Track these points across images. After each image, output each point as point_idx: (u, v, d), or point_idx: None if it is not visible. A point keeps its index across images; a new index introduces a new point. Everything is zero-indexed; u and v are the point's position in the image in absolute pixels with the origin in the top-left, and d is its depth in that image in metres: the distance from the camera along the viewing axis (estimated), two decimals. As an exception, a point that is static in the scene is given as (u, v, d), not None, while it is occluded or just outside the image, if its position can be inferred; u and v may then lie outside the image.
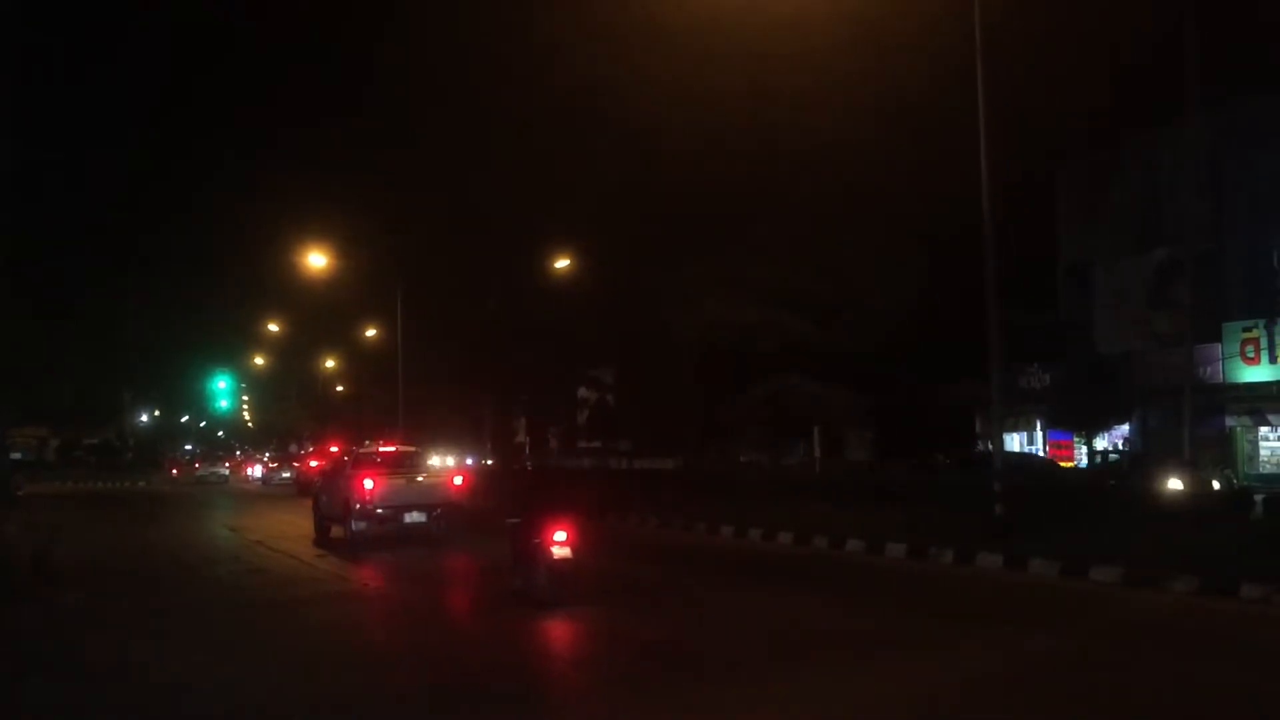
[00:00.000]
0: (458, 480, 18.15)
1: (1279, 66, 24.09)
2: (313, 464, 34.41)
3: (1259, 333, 25.62)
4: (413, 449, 20.57)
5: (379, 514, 16.51)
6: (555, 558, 10.17)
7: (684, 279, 26.55)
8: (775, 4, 20.97)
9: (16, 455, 64.55)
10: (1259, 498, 17.21)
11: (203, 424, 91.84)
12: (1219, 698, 7.08)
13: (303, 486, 33.07)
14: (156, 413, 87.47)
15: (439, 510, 17.00)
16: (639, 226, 30.12)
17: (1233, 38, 23.35)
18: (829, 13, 21.13)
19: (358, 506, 16.49)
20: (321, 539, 17.89)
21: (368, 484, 16.52)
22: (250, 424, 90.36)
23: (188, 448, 79.01)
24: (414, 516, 16.69)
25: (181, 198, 71.88)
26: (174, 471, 57.58)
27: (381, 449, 19.97)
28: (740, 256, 26.17)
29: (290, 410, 66.22)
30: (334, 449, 31.97)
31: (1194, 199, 24.45)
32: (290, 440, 62.85)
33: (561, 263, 32.51)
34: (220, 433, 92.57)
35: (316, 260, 35.34)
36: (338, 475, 18.41)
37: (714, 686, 7.42)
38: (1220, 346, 26.18)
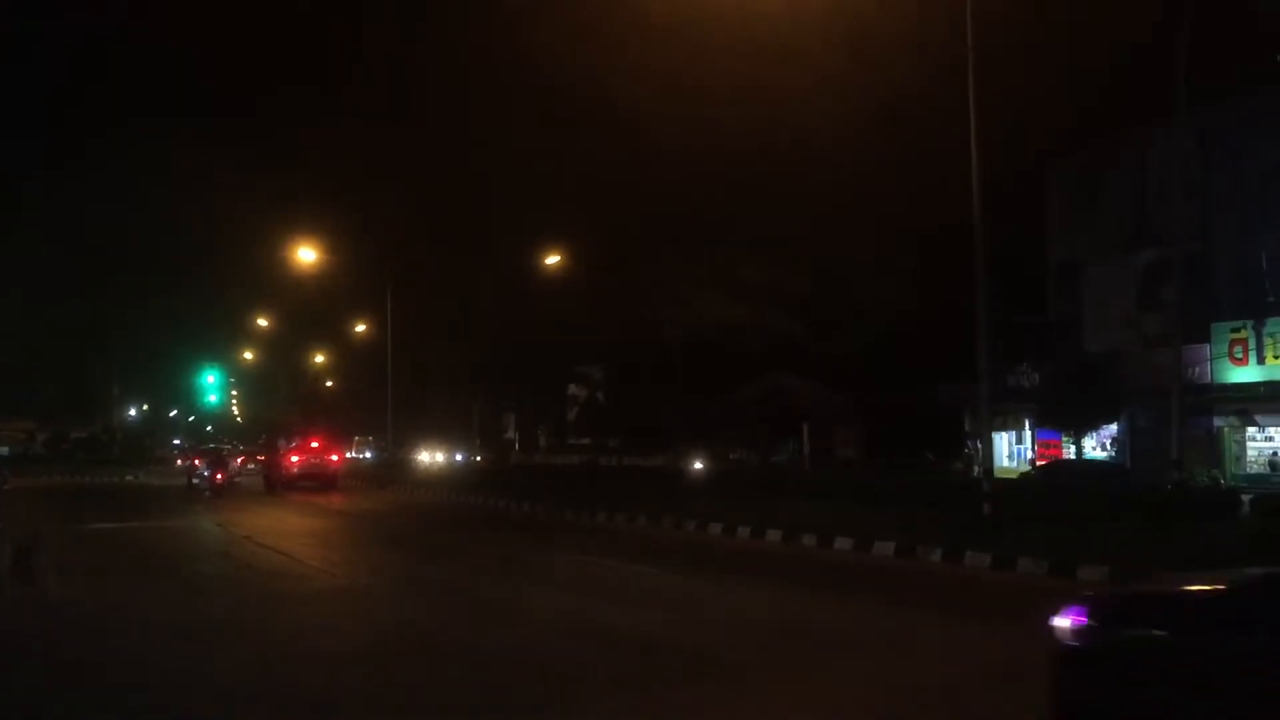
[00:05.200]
0: (239, 459, 41.34)
1: (1267, 68, 24.22)
2: (294, 459, 34.33)
3: (1247, 333, 25.72)
4: (226, 446, 42.33)
5: (204, 474, 31.11)
6: None
7: (674, 277, 26.55)
8: (767, 3, 20.95)
9: (3, 449, 64.35)
10: (1246, 498, 17.31)
11: (191, 418, 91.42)
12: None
13: (269, 481, 33.82)
14: (145, 407, 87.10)
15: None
16: (629, 223, 30.16)
17: (1221, 40, 23.44)
18: (821, 13, 21.14)
19: (194, 471, 32.50)
20: (190, 493, 30.40)
21: (197, 463, 33.32)
22: (239, 418, 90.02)
23: (175, 442, 78.60)
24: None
25: (171, 191, 71.44)
26: (178, 463, 57.84)
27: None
28: (730, 255, 26.18)
29: (278, 405, 66.02)
30: (314, 444, 33.64)
31: (1182, 199, 24.53)
32: (279, 434, 62.66)
33: (552, 259, 32.47)
34: (209, 427, 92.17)
35: (306, 255, 35.29)
36: (191, 460, 34.99)
37: (708, 684, 7.42)
38: (1208, 347, 26.28)
